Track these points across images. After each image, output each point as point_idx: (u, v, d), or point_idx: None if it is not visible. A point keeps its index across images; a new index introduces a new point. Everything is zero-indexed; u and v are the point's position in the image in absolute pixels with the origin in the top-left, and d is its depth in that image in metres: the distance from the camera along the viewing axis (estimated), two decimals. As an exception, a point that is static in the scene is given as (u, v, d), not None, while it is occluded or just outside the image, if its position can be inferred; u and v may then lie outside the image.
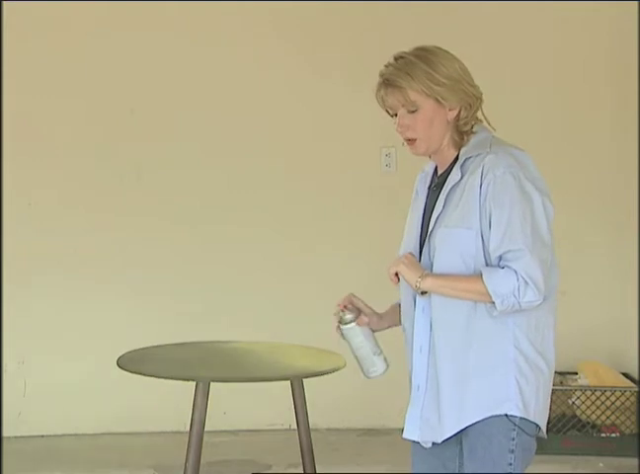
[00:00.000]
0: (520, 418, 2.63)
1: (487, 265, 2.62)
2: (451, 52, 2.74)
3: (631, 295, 5.35)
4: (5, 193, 5.20)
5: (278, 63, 5.33)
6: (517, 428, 2.63)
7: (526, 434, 2.65)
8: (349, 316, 2.79)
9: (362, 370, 2.80)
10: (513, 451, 2.63)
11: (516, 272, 2.56)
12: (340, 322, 2.80)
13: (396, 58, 2.70)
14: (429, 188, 2.82)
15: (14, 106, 5.18)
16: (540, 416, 2.68)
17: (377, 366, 2.79)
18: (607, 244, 5.48)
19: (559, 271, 2.71)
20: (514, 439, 2.63)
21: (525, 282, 2.55)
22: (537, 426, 2.68)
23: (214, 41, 5.34)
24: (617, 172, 5.45)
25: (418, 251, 2.75)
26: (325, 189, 5.40)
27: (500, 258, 2.59)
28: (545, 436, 2.73)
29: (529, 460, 2.70)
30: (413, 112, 2.68)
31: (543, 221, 2.65)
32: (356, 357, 2.80)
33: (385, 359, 2.80)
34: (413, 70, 2.66)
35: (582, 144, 5.45)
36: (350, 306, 2.82)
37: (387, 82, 2.68)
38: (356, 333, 2.79)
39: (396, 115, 2.73)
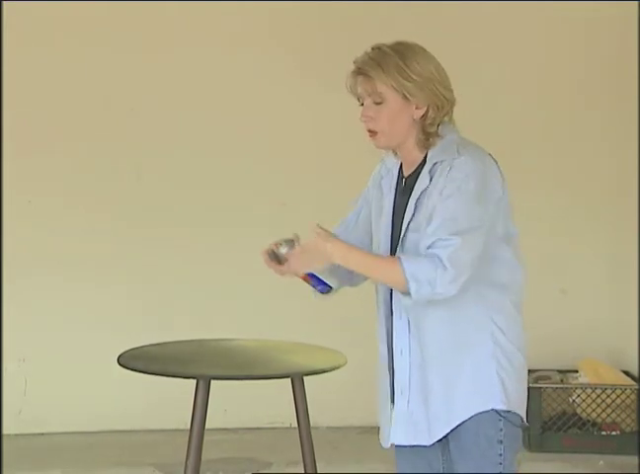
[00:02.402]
0: (506, 410, 2.66)
1: None
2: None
3: (631, 293, 5.36)
4: (5, 190, 5.20)
5: (277, 64, 5.32)
6: (503, 419, 2.66)
7: (512, 423, 2.68)
8: (284, 246, 2.78)
9: (315, 288, 2.82)
10: (501, 442, 2.67)
11: (437, 259, 2.54)
12: (282, 253, 2.77)
13: (373, 48, 2.71)
14: (395, 190, 2.80)
15: (14, 105, 5.18)
16: (521, 407, 2.73)
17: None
18: (607, 242, 5.48)
19: (520, 269, 2.73)
20: (501, 430, 2.67)
21: (444, 270, 2.53)
22: (520, 416, 2.70)
23: (214, 42, 5.33)
24: (617, 171, 5.45)
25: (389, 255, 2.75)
26: (325, 188, 5.40)
27: (429, 247, 2.58)
28: (527, 425, 2.76)
29: (517, 449, 2.74)
30: (379, 103, 2.68)
31: (480, 226, 2.61)
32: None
33: None
34: (385, 62, 2.66)
35: (582, 144, 5.45)
36: (278, 241, 2.80)
37: (358, 70, 2.69)
38: None
39: (361, 105, 2.74)
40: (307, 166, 5.39)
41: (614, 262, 5.49)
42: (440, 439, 2.72)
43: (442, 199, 2.60)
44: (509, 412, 2.67)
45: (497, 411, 2.65)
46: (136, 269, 5.31)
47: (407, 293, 2.58)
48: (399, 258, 2.59)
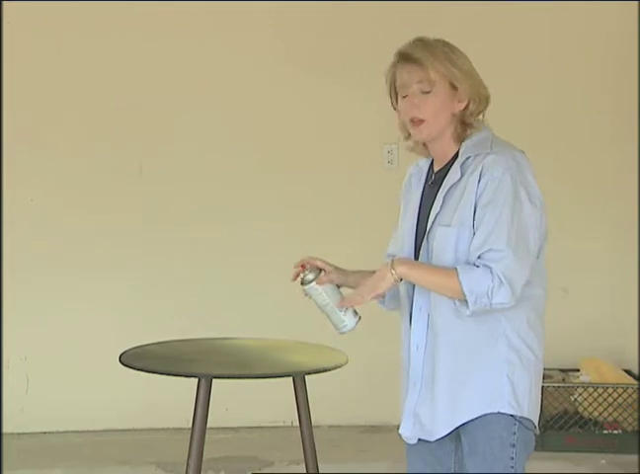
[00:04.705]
0: (517, 415, 2.64)
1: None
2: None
3: (632, 292, 5.36)
4: (6, 189, 5.20)
5: (279, 62, 5.33)
6: (517, 422, 2.64)
7: (526, 428, 2.66)
8: (309, 276, 2.82)
9: (334, 327, 2.82)
10: (514, 445, 2.64)
11: (492, 271, 2.55)
12: (302, 283, 2.84)
13: (418, 39, 2.70)
14: (424, 184, 2.81)
15: (15, 102, 5.18)
16: (534, 412, 2.70)
17: (346, 322, 2.81)
18: (608, 242, 5.49)
19: (546, 272, 2.73)
20: (515, 434, 2.64)
21: (500, 283, 2.54)
22: (533, 421, 2.69)
23: (215, 41, 5.34)
24: (618, 171, 5.45)
25: (413, 249, 2.76)
26: (327, 186, 5.40)
27: (480, 256, 2.58)
28: (538, 433, 2.74)
29: (529, 454, 2.71)
30: (426, 93, 2.67)
31: (531, 229, 2.63)
32: (325, 315, 2.83)
33: (355, 313, 2.82)
34: (435, 51, 2.67)
35: (582, 144, 5.46)
36: (308, 266, 2.84)
37: (408, 58, 2.67)
38: (318, 291, 2.82)
39: (403, 97, 2.71)
40: (311, 163, 5.39)
41: (615, 261, 5.49)
42: (454, 437, 2.71)
43: (484, 205, 2.60)
44: (522, 416, 2.65)
45: (510, 414, 2.63)
46: (138, 266, 5.31)
47: (465, 303, 2.59)
48: (456, 270, 2.58)
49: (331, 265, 2.87)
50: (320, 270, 2.85)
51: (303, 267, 2.85)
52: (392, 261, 2.67)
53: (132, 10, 5.23)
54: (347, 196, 5.41)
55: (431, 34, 2.76)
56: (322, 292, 2.82)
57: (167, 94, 5.31)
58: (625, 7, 5.32)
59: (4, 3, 5.11)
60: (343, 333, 2.83)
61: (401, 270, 2.64)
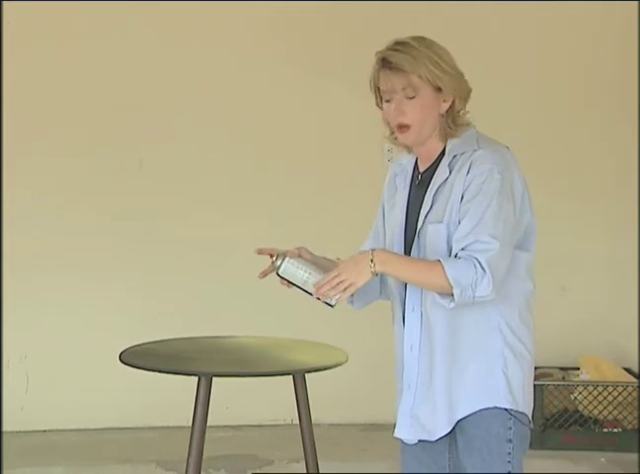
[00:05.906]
0: (512, 409, 2.65)
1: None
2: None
3: (631, 290, 5.36)
4: (7, 187, 5.20)
5: (279, 62, 5.33)
6: (513, 417, 2.65)
7: (522, 423, 2.67)
8: (278, 261, 2.70)
9: (327, 303, 2.67)
10: (511, 441, 2.65)
11: (475, 263, 2.53)
12: (277, 272, 2.72)
13: (399, 43, 2.67)
14: (410, 184, 2.80)
15: (15, 102, 5.18)
16: (528, 407, 2.71)
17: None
18: (608, 239, 5.49)
19: (533, 271, 2.74)
20: (511, 429, 2.65)
21: (484, 274, 2.52)
22: (527, 416, 2.70)
23: (215, 41, 5.34)
24: (617, 169, 5.46)
25: (403, 248, 2.75)
26: (327, 186, 5.41)
27: (464, 248, 2.56)
28: (532, 427, 2.74)
29: (525, 449, 2.72)
30: (411, 98, 2.66)
31: (513, 224, 2.62)
32: (309, 293, 2.68)
33: None
34: (419, 55, 2.64)
35: (582, 143, 5.46)
36: (274, 253, 2.74)
37: (391, 65, 2.65)
38: (295, 267, 2.70)
39: (387, 101, 2.70)
40: (310, 163, 5.39)
41: (614, 258, 5.49)
42: (447, 435, 2.71)
43: (470, 198, 2.59)
44: (517, 410, 2.65)
45: (506, 409, 2.64)
46: (138, 264, 5.32)
47: (446, 296, 2.57)
48: (440, 262, 2.56)
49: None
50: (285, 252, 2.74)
51: (271, 255, 2.75)
52: (372, 252, 2.60)
53: (132, 10, 5.24)
54: (347, 195, 5.41)
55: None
56: (298, 267, 2.70)
57: (167, 94, 5.32)
58: (625, 7, 5.32)
59: (4, 3, 5.12)
60: (335, 304, 2.69)
61: (381, 262, 2.58)
